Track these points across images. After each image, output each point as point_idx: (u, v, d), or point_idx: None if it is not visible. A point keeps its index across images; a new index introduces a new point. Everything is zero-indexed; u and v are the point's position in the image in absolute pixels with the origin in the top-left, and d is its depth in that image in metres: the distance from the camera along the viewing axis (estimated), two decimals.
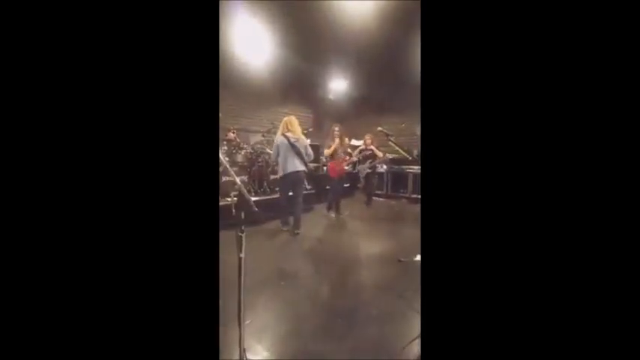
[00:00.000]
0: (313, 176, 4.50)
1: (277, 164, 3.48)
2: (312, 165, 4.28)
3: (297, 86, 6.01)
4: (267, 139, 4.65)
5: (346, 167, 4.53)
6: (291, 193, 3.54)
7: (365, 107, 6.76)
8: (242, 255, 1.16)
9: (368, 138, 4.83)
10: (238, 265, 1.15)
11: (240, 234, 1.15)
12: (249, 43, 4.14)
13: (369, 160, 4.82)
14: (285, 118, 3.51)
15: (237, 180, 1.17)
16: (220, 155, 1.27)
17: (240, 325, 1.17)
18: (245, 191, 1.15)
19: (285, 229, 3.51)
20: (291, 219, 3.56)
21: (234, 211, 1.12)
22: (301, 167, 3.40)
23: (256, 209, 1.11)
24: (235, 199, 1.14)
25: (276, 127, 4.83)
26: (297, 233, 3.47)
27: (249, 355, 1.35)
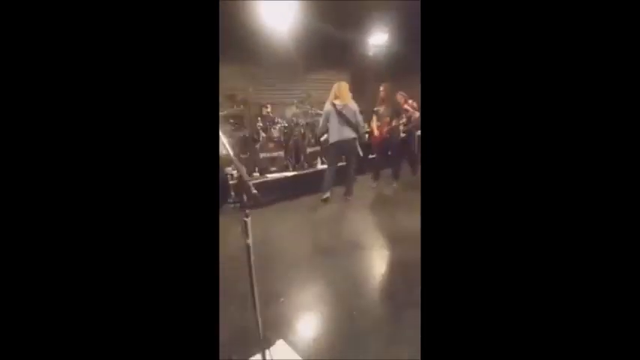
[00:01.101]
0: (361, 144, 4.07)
1: (326, 133, 3.36)
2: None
3: (329, 48, 5.55)
4: (302, 110, 4.48)
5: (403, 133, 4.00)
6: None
7: (410, 62, 6.03)
8: (249, 241, 1.07)
9: (400, 96, 3.96)
10: (247, 252, 1.07)
11: (244, 219, 1.05)
12: (272, 9, 3.88)
13: (402, 122, 3.97)
14: (335, 84, 3.30)
15: (237, 161, 1.05)
16: (220, 134, 1.15)
17: (255, 311, 1.11)
18: (244, 173, 1.03)
19: (325, 197, 3.39)
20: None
21: (232, 193, 1.02)
22: (350, 135, 3.22)
23: (255, 191, 0.98)
24: (235, 181, 1.03)
25: (311, 97, 4.64)
26: (348, 199, 3.43)
27: (288, 334, 1.32)
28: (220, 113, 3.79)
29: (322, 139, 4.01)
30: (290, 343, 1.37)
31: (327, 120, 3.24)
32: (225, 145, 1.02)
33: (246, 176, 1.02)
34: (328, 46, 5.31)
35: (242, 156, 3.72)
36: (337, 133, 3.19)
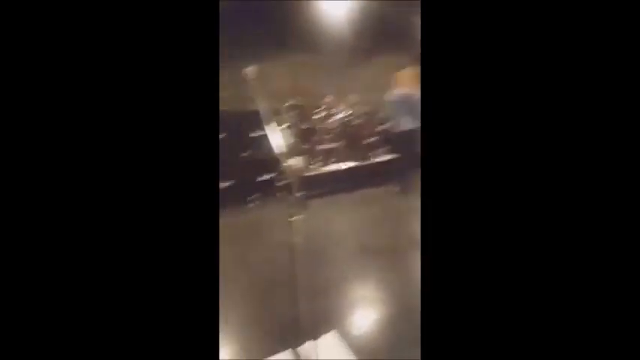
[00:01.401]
0: None
1: (388, 123, 3.24)
2: None
3: (391, 31, 5.19)
4: (362, 99, 4.35)
5: None
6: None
7: None
8: (295, 240, 1.10)
9: None
10: (291, 251, 1.11)
11: (289, 219, 1.08)
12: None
13: None
14: (400, 71, 3.13)
15: (283, 157, 1.06)
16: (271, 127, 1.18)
17: (298, 305, 1.16)
18: (292, 173, 1.05)
19: (397, 188, 3.31)
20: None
21: (277, 194, 1.05)
22: (412, 125, 3.01)
23: (297, 194, 0.99)
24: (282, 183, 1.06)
25: (371, 84, 4.45)
26: (407, 195, 3.26)
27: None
28: (283, 105, 3.94)
29: (380, 128, 3.86)
30: (340, 337, 1.39)
31: (390, 109, 3.08)
32: (272, 141, 1.05)
33: (292, 177, 1.04)
34: (390, 29, 4.99)
35: (302, 147, 3.82)
36: (402, 122, 3.02)
